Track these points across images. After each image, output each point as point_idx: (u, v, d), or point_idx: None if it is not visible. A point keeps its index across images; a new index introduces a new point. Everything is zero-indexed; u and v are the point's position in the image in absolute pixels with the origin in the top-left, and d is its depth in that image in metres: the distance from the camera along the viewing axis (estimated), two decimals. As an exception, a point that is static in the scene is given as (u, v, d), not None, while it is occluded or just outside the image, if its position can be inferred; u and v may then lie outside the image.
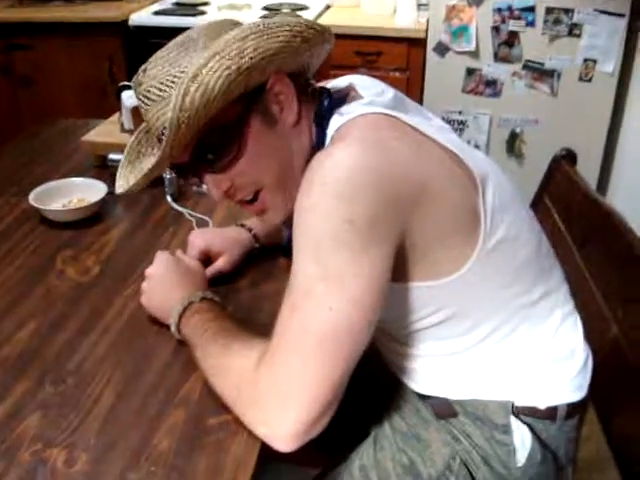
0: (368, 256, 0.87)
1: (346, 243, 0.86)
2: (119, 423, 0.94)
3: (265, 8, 3.30)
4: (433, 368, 1.10)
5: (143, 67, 0.95)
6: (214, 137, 0.94)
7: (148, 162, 1.00)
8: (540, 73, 2.80)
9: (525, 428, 1.07)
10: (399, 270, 0.94)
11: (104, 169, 1.63)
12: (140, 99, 0.95)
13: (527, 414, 1.07)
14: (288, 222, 1.05)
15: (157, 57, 0.95)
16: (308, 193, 0.88)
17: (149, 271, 1.18)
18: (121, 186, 1.06)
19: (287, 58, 0.94)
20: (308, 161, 0.93)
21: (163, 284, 1.15)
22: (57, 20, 3.15)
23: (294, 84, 0.98)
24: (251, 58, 0.88)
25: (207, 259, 1.28)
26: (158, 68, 0.93)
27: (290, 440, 0.87)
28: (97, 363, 1.05)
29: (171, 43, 0.96)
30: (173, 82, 0.91)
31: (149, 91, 0.93)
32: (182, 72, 0.90)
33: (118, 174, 1.07)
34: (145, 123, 1.01)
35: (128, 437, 0.91)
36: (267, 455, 0.90)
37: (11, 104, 3.29)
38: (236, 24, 0.98)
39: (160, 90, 0.92)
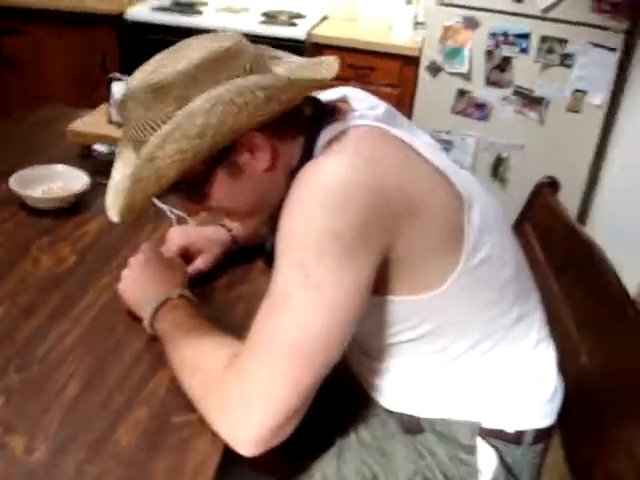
0: (351, 268, 0.87)
1: (330, 254, 0.85)
2: (82, 415, 0.92)
3: (264, 14, 3.30)
4: (403, 385, 1.09)
5: (126, 91, 0.92)
6: (179, 187, 0.94)
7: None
8: (529, 100, 2.83)
9: (491, 450, 1.07)
10: (380, 283, 0.94)
11: (88, 159, 1.62)
12: (122, 117, 0.97)
13: (494, 436, 1.07)
14: (271, 229, 1.05)
15: (134, 91, 0.91)
16: (297, 201, 0.88)
17: (133, 260, 1.17)
18: (114, 213, 1.01)
19: (260, 119, 0.90)
20: (293, 172, 0.93)
21: (144, 275, 1.14)
22: (52, 7, 3.12)
23: (270, 130, 0.94)
24: (214, 136, 0.87)
25: (185, 257, 1.27)
26: (134, 104, 0.91)
27: (253, 445, 0.86)
28: (65, 353, 1.04)
29: (150, 78, 0.90)
30: (145, 128, 0.91)
31: (127, 120, 0.94)
32: (153, 124, 0.89)
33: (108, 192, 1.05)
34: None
35: (90, 429, 0.90)
36: (229, 459, 0.89)
37: (-1, 87, 3.26)
38: (223, 58, 0.92)
39: (134, 129, 0.92)
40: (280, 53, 1.06)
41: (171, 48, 0.96)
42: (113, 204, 1.00)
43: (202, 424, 0.91)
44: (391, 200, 0.89)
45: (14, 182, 1.45)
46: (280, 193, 0.95)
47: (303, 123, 1.00)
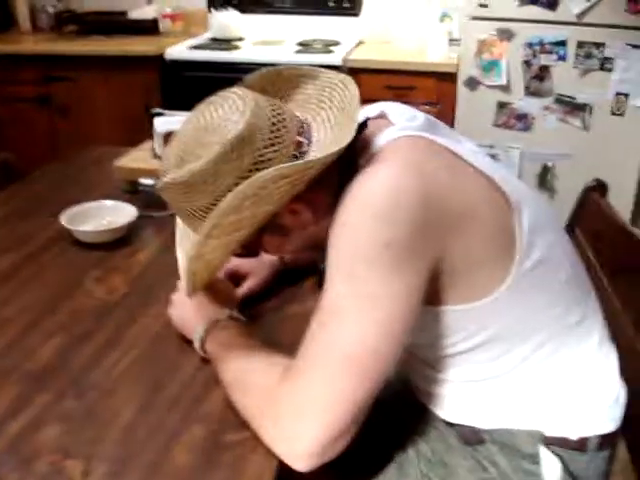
0: (402, 279, 0.86)
1: (381, 264, 0.85)
2: (138, 437, 0.93)
3: (299, 44, 3.34)
4: (462, 395, 1.08)
5: (160, 185, 0.96)
6: None
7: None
8: (571, 107, 2.79)
9: (555, 459, 1.04)
10: (433, 293, 0.94)
11: (135, 194, 1.65)
12: None
13: (557, 444, 1.05)
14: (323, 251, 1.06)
15: (168, 185, 0.93)
16: (347, 212, 0.88)
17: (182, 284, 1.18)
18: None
19: (291, 196, 0.92)
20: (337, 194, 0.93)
21: (193, 298, 1.15)
22: (96, 53, 3.24)
23: (306, 191, 0.93)
24: (252, 226, 0.92)
25: (235, 280, 1.28)
26: (172, 195, 0.95)
27: (308, 459, 0.86)
28: (119, 378, 1.05)
29: (180, 176, 0.91)
30: (188, 216, 0.96)
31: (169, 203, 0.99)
32: (193, 214, 0.94)
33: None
34: None
35: (146, 451, 0.91)
36: (284, 475, 0.89)
37: (49, 134, 3.38)
38: (240, 145, 0.90)
39: (179, 213, 0.99)
40: (305, 69, 1.05)
41: (185, 132, 0.95)
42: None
43: (256, 441, 0.91)
44: (441, 209, 0.89)
45: (65, 219, 1.49)
46: (330, 219, 0.94)
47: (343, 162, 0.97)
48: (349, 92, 1.00)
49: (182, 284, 1.06)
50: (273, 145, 0.91)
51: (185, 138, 0.94)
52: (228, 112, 0.92)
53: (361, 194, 0.88)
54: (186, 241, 1.06)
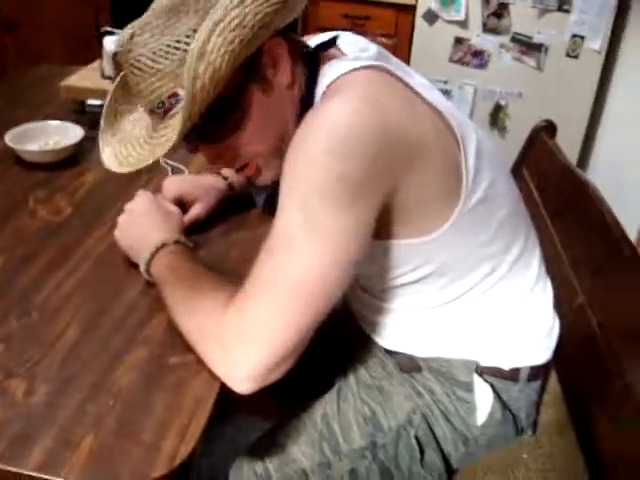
0: (354, 212, 0.87)
1: (334, 197, 0.85)
2: (81, 358, 0.94)
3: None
4: (404, 324, 1.11)
5: (129, 32, 0.89)
6: (216, 109, 0.90)
7: (147, 144, 0.96)
8: (528, 47, 2.79)
9: (487, 387, 1.09)
10: (383, 227, 0.95)
11: (82, 114, 1.62)
12: (128, 67, 0.91)
13: (490, 374, 1.09)
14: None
15: (144, 22, 0.89)
16: (302, 145, 0.88)
17: (129, 206, 1.17)
18: (110, 159, 0.98)
19: (282, 19, 0.91)
20: (299, 117, 0.93)
21: (140, 221, 1.14)
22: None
23: (287, 45, 0.95)
24: (252, 27, 0.85)
25: (181, 206, 1.27)
26: (147, 35, 0.88)
27: (248, 382, 0.87)
28: (63, 299, 1.05)
29: (157, 5, 0.90)
30: (167, 53, 0.87)
31: (139, 60, 0.89)
32: (177, 42, 0.86)
33: (101, 140, 1.01)
34: (119, 78, 1.00)
35: (89, 371, 0.91)
36: (225, 398, 0.90)
37: (-5, 50, 3.25)
38: None
39: (152, 61, 0.88)
40: None
41: None
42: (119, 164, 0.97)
43: (199, 364, 0.92)
44: (395, 144, 0.89)
45: (10, 138, 1.45)
46: (293, 128, 0.94)
47: (304, 54, 0.99)
48: None
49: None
50: None
51: None
52: None
53: (319, 127, 0.87)
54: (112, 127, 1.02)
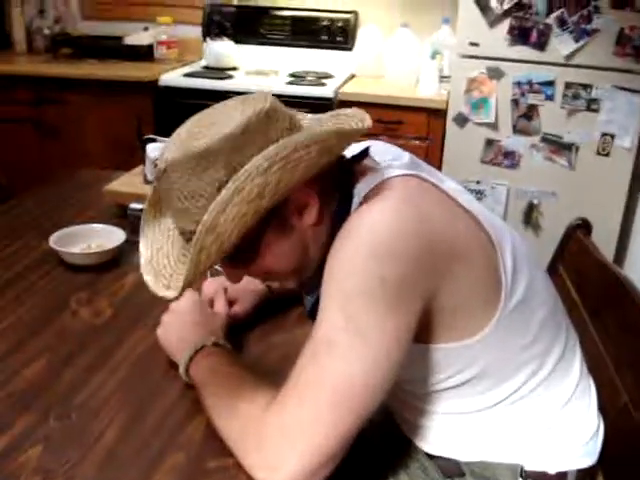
0: (395, 316, 0.88)
1: (375, 300, 0.86)
2: (119, 460, 0.93)
3: (292, 75, 3.38)
4: (446, 427, 1.09)
5: (163, 166, 0.91)
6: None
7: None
8: (558, 146, 2.83)
9: (533, 493, 1.05)
10: (424, 331, 0.95)
11: (124, 218, 1.66)
12: (161, 194, 0.97)
13: (536, 478, 1.06)
14: (308, 289, 1.07)
15: (177, 161, 0.89)
16: (344, 247, 0.89)
17: (174, 305, 1.19)
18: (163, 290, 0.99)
19: (310, 171, 0.90)
20: (333, 231, 0.94)
21: (183, 321, 1.15)
22: (89, 77, 3.25)
23: (317, 185, 0.95)
24: (272, 196, 0.86)
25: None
26: (177, 175, 0.89)
27: None
28: (103, 401, 1.05)
29: (193, 146, 0.89)
30: (193, 197, 0.89)
31: (169, 195, 0.92)
32: (204, 190, 0.88)
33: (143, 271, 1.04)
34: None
35: (127, 475, 0.91)
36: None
37: (38, 156, 3.36)
38: (266, 119, 0.91)
39: (178, 199, 0.91)
40: (301, 114, 1.05)
41: (200, 116, 0.96)
42: (156, 283, 1.00)
43: (237, 469, 0.91)
44: (436, 248, 0.90)
45: (54, 240, 1.50)
46: (322, 248, 0.97)
47: (338, 178, 1.01)
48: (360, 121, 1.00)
49: (160, 291, 0.98)
50: (293, 130, 0.93)
51: (197, 120, 0.94)
52: (246, 100, 0.94)
53: (360, 230, 0.89)
54: (154, 233, 1.05)
